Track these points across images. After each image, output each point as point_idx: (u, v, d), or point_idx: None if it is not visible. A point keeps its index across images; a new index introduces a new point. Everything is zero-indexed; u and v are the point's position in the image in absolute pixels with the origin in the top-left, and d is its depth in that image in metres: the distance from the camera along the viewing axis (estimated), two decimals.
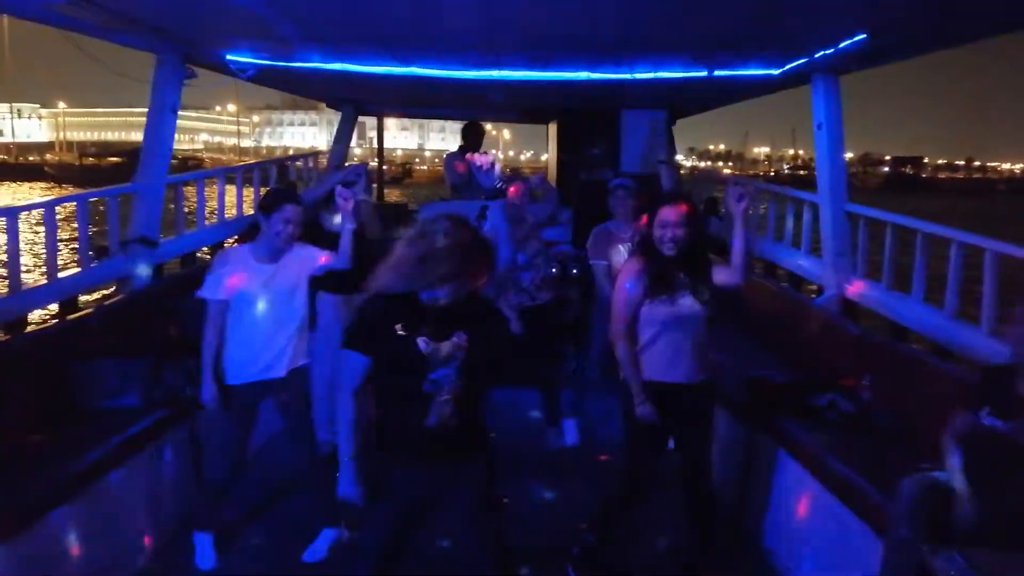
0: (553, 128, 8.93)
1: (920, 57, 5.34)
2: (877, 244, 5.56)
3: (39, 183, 58.51)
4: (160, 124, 5.70)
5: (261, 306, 3.58)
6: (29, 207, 5.61)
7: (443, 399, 2.63)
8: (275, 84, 7.72)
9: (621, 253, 4.90)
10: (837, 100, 5.69)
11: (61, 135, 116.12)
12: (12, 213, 4.81)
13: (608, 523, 3.67)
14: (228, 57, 5.59)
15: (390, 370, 2.70)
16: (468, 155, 7.99)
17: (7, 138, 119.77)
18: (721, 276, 3.43)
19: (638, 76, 5.83)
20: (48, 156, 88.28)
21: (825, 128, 5.71)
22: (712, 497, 3.63)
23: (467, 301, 2.71)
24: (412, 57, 5.47)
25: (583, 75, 5.87)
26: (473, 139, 7.99)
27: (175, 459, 4.15)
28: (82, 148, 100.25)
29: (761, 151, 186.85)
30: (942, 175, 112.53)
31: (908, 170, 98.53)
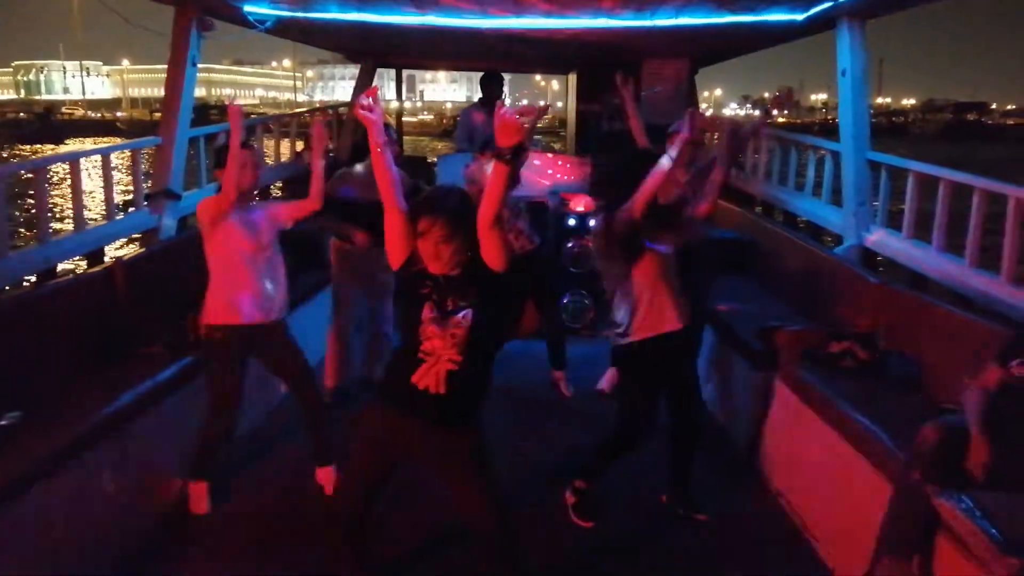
0: (573, 78, 8.81)
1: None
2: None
3: (114, 138, 58.68)
4: (180, 77, 5.73)
5: (239, 252, 3.65)
6: (53, 160, 5.76)
7: (433, 367, 2.52)
8: (293, 36, 7.69)
9: None
10: (862, 46, 5.54)
11: (126, 92, 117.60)
12: (39, 166, 4.97)
13: (598, 468, 3.77)
14: (246, 8, 5.59)
15: (401, 325, 2.65)
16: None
17: (75, 95, 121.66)
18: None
19: (658, 23, 5.73)
20: (119, 113, 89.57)
21: (849, 75, 5.58)
22: (696, 432, 3.75)
23: (474, 270, 2.51)
24: (430, 6, 5.44)
25: (602, 22, 5.77)
26: (493, 90, 7.85)
27: (200, 405, 4.27)
28: (147, 104, 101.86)
29: (818, 98, 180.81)
30: (1011, 122, 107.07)
31: (972, 116, 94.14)
